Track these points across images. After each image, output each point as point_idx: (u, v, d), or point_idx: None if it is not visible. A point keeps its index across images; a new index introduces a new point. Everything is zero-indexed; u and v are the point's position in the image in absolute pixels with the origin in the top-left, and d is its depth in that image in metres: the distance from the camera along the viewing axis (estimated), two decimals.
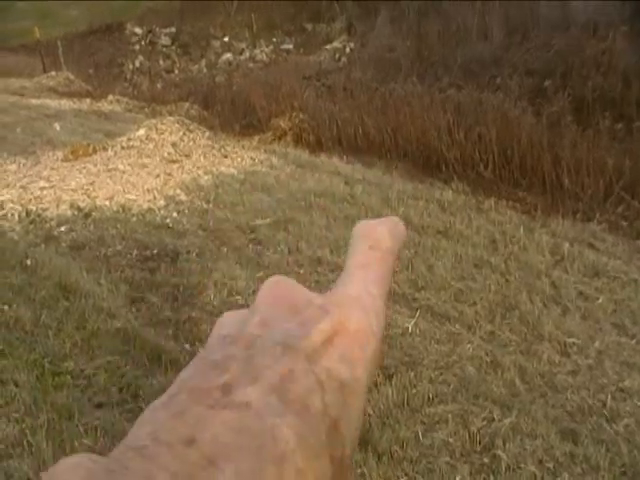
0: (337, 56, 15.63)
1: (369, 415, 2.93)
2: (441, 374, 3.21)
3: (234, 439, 0.24)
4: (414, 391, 3.10)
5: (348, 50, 15.82)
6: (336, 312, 0.30)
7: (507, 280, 4.23)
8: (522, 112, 7.23)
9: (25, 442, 2.81)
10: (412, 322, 3.61)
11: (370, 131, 7.97)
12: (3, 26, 32.16)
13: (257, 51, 20.05)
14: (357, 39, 16.23)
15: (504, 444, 2.78)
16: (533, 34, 10.40)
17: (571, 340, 3.57)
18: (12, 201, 6.22)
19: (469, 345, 3.47)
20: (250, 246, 4.71)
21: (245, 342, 0.29)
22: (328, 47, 17.34)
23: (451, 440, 2.82)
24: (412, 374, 3.20)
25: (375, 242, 0.33)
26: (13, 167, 7.58)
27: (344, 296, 0.31)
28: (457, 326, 3.62)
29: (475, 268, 4.39)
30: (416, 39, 12.38)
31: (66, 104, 12.67)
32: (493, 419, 2.93)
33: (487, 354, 3.41)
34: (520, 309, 3.86)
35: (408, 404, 3.03)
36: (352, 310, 0.30)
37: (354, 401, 0.28)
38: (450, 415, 2.95)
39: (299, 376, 0.27)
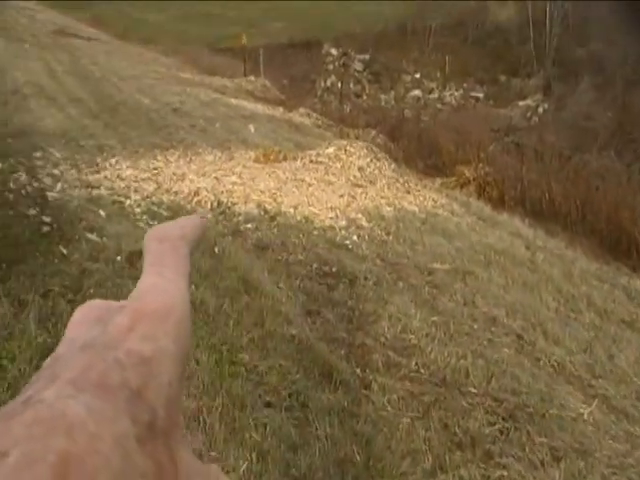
0: (529, 114, 15.39)
1: None
2: (614, 473, 3.03)
3: (26, 430, 0.26)
4: None
5: (541, 110, 15.54)
6: (132, 304, 0.33)
7: None
8: None
9: (201, 419, 2.98)
10: (588, 410, 3.45)
11: (557, 199, 7.76)
12: (215, 30, 34.80)
13: (446, 93, 20.23)
14: (553, 100, 15.91)
15: None
16: None
17: None
18: (206, 189, 6.65)
19: None
20: (426, 288, 4.73)
21: (50, 364, 0.31)
22: (520, 103, 17.14)
23: None
24: (582, 464, 3.05)
25: (163, 236, 0.37)
26: (210, 158, 8.11)
27: (139, 289, 0.34)
28: (637, 428, 3.41)
29: None
30: (620, 111, 11.88)
31: (260, 109, 13.41)
32: None
33: None
34: None
35: None
36: (148, 296, 0.33)
37: (161, 369, 0.31)
38: None
39: (95, 364, 0.29)
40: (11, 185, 5.56)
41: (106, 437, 0.27)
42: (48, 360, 0.32)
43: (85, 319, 0.36)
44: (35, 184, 5.71)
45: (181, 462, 0.30)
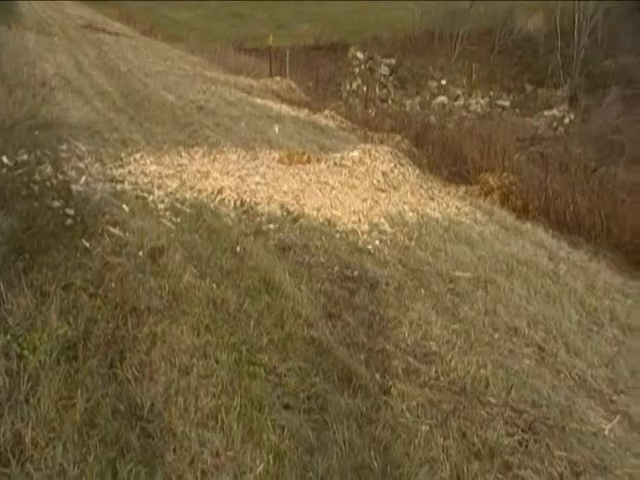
0: (554, 124, 15.28)
1: None
2: None
3: None
4: None
5: (567, 121, 15.43)
6: None
7: None
8: None
9: (219, 418, 2.97)
10: (609, 425, 3.40)
11: (581, 211, 7.69)
12: (242, 30, 35.06)
13: (472, 101, 20.18)
14: (579, 112, 15.80)
15: None
16: None
17: None
18: (230, 188, 6.62)
19: None
20: (448, 295, 4.69)
21: None
22: (546, 113, 17.04)
23: None
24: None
25: None
26: (234, 157, 8.10)
27: None
28: None
29: None
30: None
31: (285, 109, 13.40)
32: None
33: None
34: None
35: None
36: None
37: None
38: None
39: None
40: (36, 177, 5.60)
41: None
42: None
43: None
44: (60, 176, 5.75)
45: None
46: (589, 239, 7.04)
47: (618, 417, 3.53)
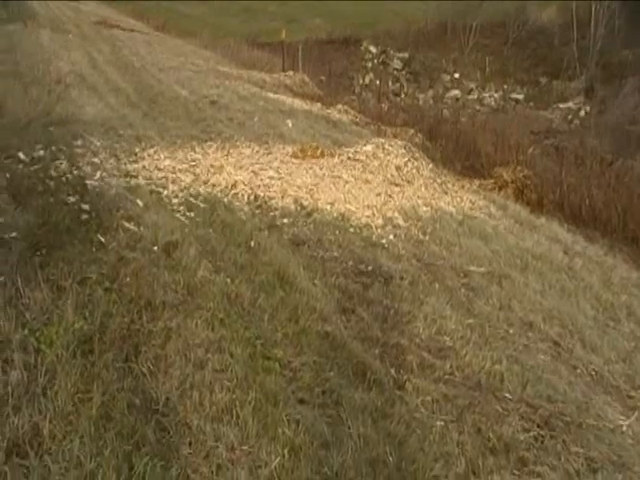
0: (570, 117, 15.14)
1: None
2: None
3: None
4: None
5: (583, 113, 15.27)
6: None
7: None
8: None
9: (234, 412, 2.98)
10: (627, 421, 3.38)
11: (597, 205, 7.63)
12: (254, 25, 35.05)
13: (486, 94, 20.06)
14: (595, 103, 15.63)
15: None
16: None
17: None
18: (244, 183, 6.63)
19: None
20: (462, 290, 4.67)
21: None
22: (561, 106, 16.88)
23: None
24: (620, 476, 2.98)
25: None
26: (247, 151, 8.10)
27: None
28: None
29: None
30: None
31: (298, 104, 13.37)
32: None
33: None
34: None
35: None
36: None
37: None
38: None
39: None
40: (52, 172, 5.64)
41: None
42: None
43: None
44: (75, 172, 5.79)
45: None
46: (605, 233, 6.98)
47: (636, 413, 3.50)
